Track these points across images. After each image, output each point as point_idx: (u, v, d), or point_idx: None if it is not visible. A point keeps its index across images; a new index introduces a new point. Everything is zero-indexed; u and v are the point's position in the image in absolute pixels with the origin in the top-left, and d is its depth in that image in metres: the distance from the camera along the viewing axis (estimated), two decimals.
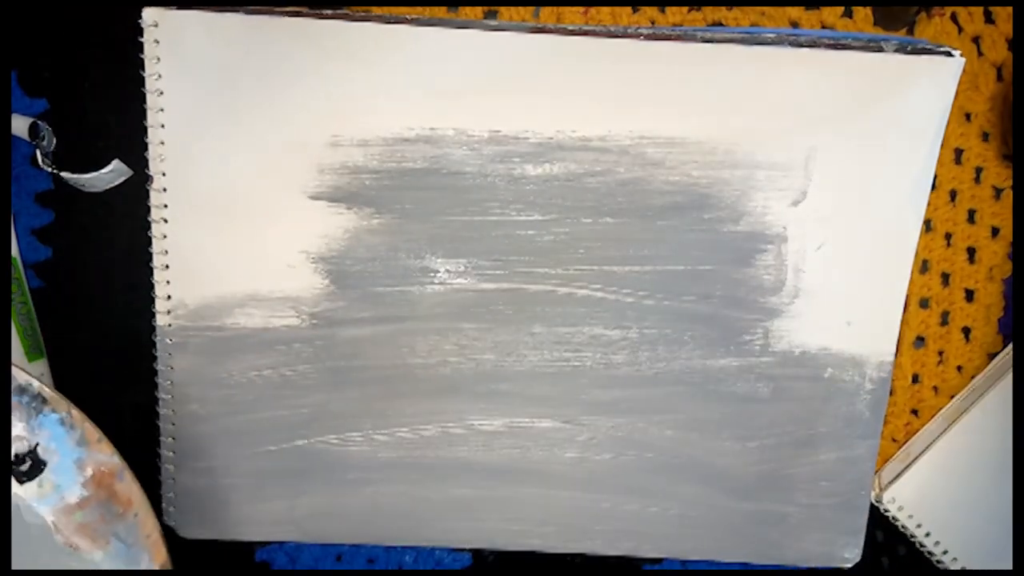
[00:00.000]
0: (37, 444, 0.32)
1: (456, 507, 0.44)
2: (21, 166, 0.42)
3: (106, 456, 0.33)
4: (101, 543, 0.33)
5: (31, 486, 0.32)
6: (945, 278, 0.46)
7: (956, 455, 0.45)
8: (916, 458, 0.46)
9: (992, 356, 0.47)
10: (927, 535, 0.46)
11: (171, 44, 0.39)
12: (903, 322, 0.44)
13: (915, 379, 0.47)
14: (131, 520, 0.33)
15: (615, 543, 0.45)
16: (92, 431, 0.33)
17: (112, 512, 0.33)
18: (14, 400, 0.32)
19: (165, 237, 0.41)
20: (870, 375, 0.43)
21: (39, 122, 0.41)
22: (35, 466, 0.32)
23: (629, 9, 0.43)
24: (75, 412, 0.33)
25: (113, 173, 0.41)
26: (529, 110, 0.40)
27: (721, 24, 0.44)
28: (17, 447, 0.32)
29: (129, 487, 0.33)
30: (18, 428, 0.32)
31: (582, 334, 0.43)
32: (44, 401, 0.32)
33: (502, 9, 0.43)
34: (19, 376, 0.32)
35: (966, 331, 0.46)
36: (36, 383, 0.32)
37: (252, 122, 0.40)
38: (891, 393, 0.46)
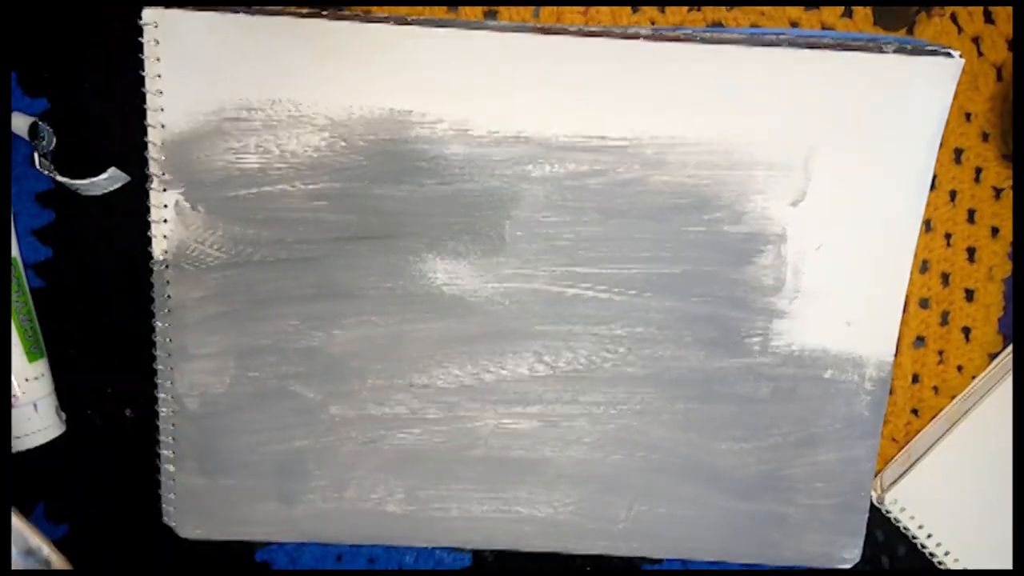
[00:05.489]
0: None
1: (456, 507, 0.44)
2: (21, 166, 0.42)
3: None
4: None
5: None
6: (945, 278, 0.46)
7: (957, 457, 0.45)
8: (918, 460, 0.45)
9: (992, 356, 0.47)
10: (928, 536, 0.46)
11: (171, 44, 0.39)
12: (903, 322, 0.44)
13: (915, 379, 0.47)
14: None
15: (615, 543, 0.45)
16: None
17: None
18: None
19: (165, 237, 0.41)
20: (870, 375, 0.43)
21: (39, 122, 0.41)
22: None
23: (629, 9, 0.43)
24: None
25: (109, 180, 0.41)
26: (529, 110, 0.40)
27: (721, 24, 0.44)
28: None
29: None
30: None
31: (583, 334, 0.43)
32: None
33: (502, 9, 0.43)
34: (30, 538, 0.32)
35: (966, 331, 0.46)
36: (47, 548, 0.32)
37: (252, 122, 0.40)
38: (891, 393, 0.46)
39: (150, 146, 0.40)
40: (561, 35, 0.40)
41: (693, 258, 0.42)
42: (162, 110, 0.40)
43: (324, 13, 0.39)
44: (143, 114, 0.40)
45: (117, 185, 0.42)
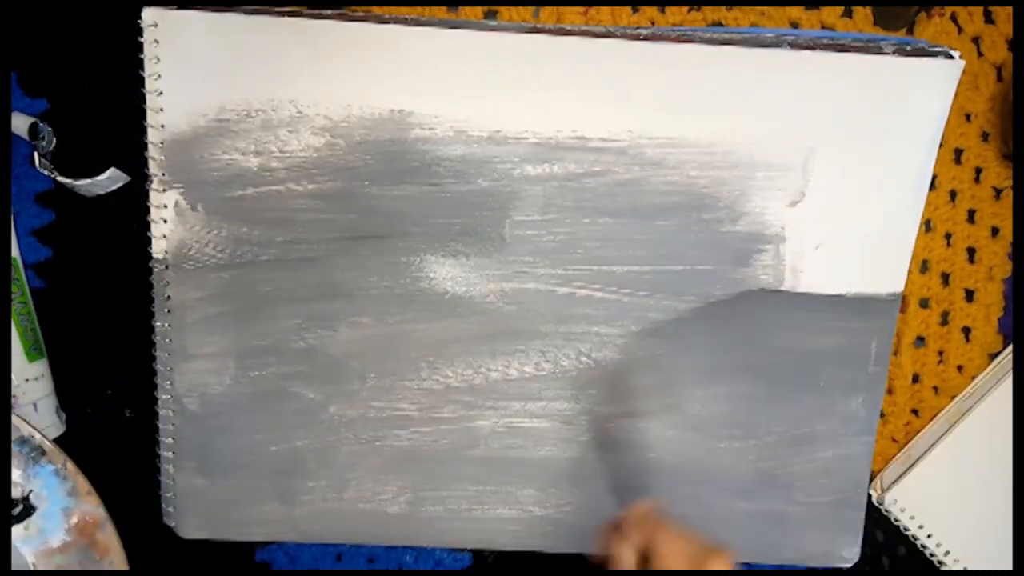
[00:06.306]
0: (30, 491, 0.35)
1: (456, 507, 0.44)
2: (21, 166, 0.42)
3: (92, 507, 0.36)
4: None
5: (19, 528, 0.35)
6: (945, 278, 0.46)
7: (957, 457, 0.45)
8: (917, 460, 0.46)
9: (993, 356, 0.47)
10: (928, 536, 0.46)
11: (171, 44, 0.39)
12: (903, 322, 0.44)
13: (915, 379, 0.47)
14: (106, 567, 0.36)
15: None
16: (83, 484, 0.36)
17: (90, 559, 0.36)
18: (15, 449, 0.35)
19: (165, 237, 0.41)
20: (865, 372, 0.43)
21: (39, 122, 0.41)
22: (25, 511, 0.35)
23: (629, 9, 0.43)
24: (70, 465, 0.36)
25: (109, 180, 0.41)
26: (529, 110, 0.40)
27: (721, 24, 0.44)
28: (12, 492, 0.35)
29: (109, 537, 0.36)
30: (15, 475, 0.35)
31: (582, 333, 0.43)
32: (42, 453, 0.35)
33: (502, 9, 0.43)
34: (22, 427, 0.35)
35: (966, 331, 0.46)
36: (38, 436, 0.35)
37: (252, 122, 0.40)
38: (891, 393, 0.46)
39: (150, 146, 0.40)
40: (561, 35, 0.40)
41: (692, 258, 0.42)
42: (162, 110, 0.40)
43: (324, 13, 0.39)
44: (143, 114, 0.40)
45: (117, 185, 0.42)
